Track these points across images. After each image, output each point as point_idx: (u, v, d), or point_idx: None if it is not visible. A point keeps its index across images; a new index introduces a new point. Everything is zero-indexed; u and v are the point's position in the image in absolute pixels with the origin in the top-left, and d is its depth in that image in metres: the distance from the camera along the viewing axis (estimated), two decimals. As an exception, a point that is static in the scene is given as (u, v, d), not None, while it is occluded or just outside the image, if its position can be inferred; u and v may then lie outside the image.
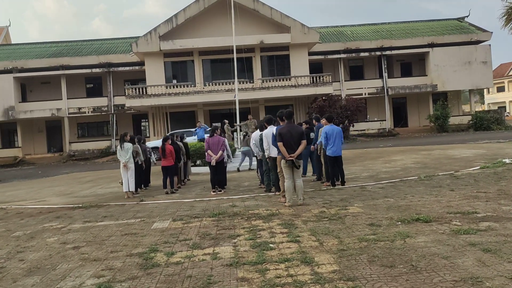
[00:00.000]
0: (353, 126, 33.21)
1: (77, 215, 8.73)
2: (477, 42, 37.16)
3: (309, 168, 13.47)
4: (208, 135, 11.75)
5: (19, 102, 35.14)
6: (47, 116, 34.71)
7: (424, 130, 36.30)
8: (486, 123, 34.64)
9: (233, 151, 18.55)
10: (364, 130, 36.12)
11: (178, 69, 34.05)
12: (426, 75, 36.97)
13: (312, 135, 12.34)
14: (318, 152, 11.47)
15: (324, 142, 10.43)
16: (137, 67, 35.01)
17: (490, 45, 36.90)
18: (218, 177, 10.97)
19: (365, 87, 36.70)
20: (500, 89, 69.01)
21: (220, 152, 10.78)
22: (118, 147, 11.54)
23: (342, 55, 36.22)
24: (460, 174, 10.65)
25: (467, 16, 41.77)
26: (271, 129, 10.81)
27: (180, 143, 13.44)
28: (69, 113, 35.18)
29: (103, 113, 35.61)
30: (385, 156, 18.28)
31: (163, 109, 33.16)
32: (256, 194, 10.02)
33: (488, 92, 69.80)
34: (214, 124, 14.21)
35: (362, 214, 6.73)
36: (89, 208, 9.50)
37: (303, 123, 14.47)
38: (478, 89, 43.08)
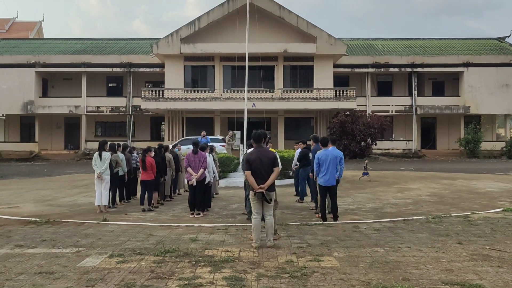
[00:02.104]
0: (375, 144, 31.50)
1: (19, 234, 7.66)
2: (517, 64, 34.77)
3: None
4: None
5: (39, 97, 35.00)
6: (65, 113, 34.49)
7: (453, 154, 34.09)
8: (521, 151, 32.21)
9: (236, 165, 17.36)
10: (388, 149, 34.26)
11: (198, 73, 33.21)
12: (459, 96, 34.82)
13: (311, 155, 11.01)
14: (314, 178, 10.12)
15: (316, 169, 9.08)
16: (158, 69, 34.33)
17: (531, 68, 34.43)
18: (199, 199, 9.75)
19: (393, 104, 34.86)
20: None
21: (201, 170, 9.54)
22: (96, 155, 10.49)
23: (370, 69, 34.55)
24: (477, 218, 9.05)
25: (508, 36, 39.38)
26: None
27: (169, 155, 12.30)
28: (87, 111, 34.79)
29: (121, 114, 35.06)
30: (401, 183, 16.66)
31: (179, 113, 32.33)
32: (233, 224, 8.74)
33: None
34: (199, 138, 12.99)
35: (335, 271, 5.35)
36: (41, 225, 8.45)
37: (299, 143, 13.15)
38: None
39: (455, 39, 40.18)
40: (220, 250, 6.39)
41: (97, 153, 10.45)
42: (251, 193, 6.79)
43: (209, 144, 20.48)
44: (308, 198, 12.02)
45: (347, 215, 9.88)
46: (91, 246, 6.70)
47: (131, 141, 34.67)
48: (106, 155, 10.42)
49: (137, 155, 12.72)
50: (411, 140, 34.64)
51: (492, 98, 33.77)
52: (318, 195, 9.52)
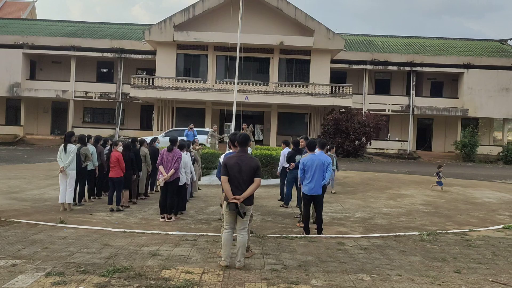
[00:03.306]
0: (370, 144, 30.66)
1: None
2: (518, 67, 33.94)
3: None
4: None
5: (26, 80, 33.79)
6: (52, 97, 33.37)
7: (449, 157, 33.32)
8: (518, 156, 31.47)
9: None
10: (383, 149, 33.44)
11: (191, 62, 32.12)
12: (458, 98, 33.99)
13: (298, 158, 10.10)
14: (298, 185, 9.23)
15: (301, 175, 8.17)
16: (150, 56, 33.16)
17: (533, 72, 33.59)
18: (170, 202, 8.84)
19: (390, 103, 33.96)
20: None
21: (172, 171, 8.61)
22: (60, 147, 9.53)
23: (368, 66, 33.58)
24: (476, 236, 8.19)
25: (510, 39, 38.47)
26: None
27: (145, 149, 11.34)
28: (75, 96, 33.64)
29: (110, 100, 33.95)
30: (394, 188, 15.83)
31: (170, 103, 31.29)
32: (205, 233, 7.84)
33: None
34: (181, 137, 12.06)
35: (309, 308, 4.46)
36: (-11, 226, 7.50)
37: (282, 144, 12.25)
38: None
39: (456, 39, 39.24)
40: (180, 270, 5.48)
41: (62, 145, 9.49)
42: (224, 203, 5.88)
43: (195, 137, 19.69)
44: (293, 203, 11.13)
45: (333, 225, 9.01)
46: (32, 258, 5.77)
47: (120, 129, 33.75)
48: (72, 148, 9.46)
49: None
50: (407, 141, 33.85)
51: (491, 101, 32.96)
52: (302, 203, 8.64)
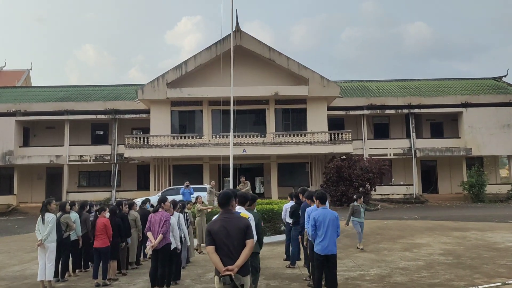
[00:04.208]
0: (375, 190, 29.61)
1: None
2: (517, 103, 33.56)
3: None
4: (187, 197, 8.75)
5: (19, 147, 33.23)
6: (46, 163, 32.62)
7: (457, 199, 32.17)
8: (529, 194, 30.38)
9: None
10: (388, 194, 32.37)
11: (186, 118, 31.70)
12: (459, 137, 33.34)
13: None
14: (305, 243, 8.24)
15: (312, 233, 7.21)
16: (144, 115, 32.82)
17: (531, 107, 33.18)
18: (161, 271, 7.80)
19: (391, 147, 33.27)
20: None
21: (160, 236, 7.64)
22: (39, 218, 8.60)
23: (366, 111, 33.18)
24: (513, 292, 7.12)
25: (505, 76, 38.46)
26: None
27: (134, 213, 10.38)
28: (69, 160, 32.96)
29: (105, 162, 33.22)
30: (407, 236, 14.71)
31: (166, 161, 30.57)
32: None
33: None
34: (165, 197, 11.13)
35: None
36: None
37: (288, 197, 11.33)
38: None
39: (451, 80, 39.23)
40: None
41: (40, 217, 8.56)
42: (216, 278, 4.89)
43: (192, 195, 18.76)
44: (300, 263, 10.05)
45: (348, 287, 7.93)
46: None
47: (116, 191, 32.77)
48: (50, 217, 8.52)
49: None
50: (412, 185, 32.83)
51: (494, 138, 32.29)
52: (311, 264, 7.62)
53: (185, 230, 9.11)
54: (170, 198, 14.78)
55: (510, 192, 31.28)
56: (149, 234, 7.80)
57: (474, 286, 7.61)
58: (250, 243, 4.81)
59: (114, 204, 9.99)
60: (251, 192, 19.06)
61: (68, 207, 9.51)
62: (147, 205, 11.82)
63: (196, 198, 12.60)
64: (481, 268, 9.38)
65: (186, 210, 10.40)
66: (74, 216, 9.60)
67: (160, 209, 7.90)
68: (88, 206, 10.68)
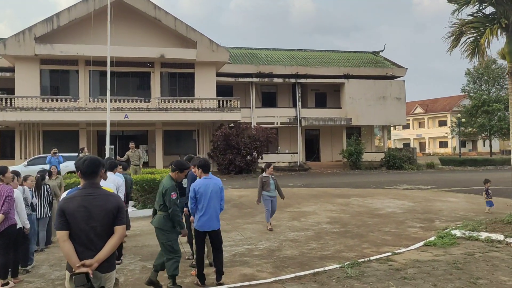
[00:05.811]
0: (262, 158, 29.65)
1: None
2: (392, 77, 35.89)
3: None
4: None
5: None
6: None
7: (337, 166, 33.81)
8: (399, 161, 32.93)
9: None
10: (274, 162, 32.65)
11: (59, 79, 28.37)
12: (341, 108, 34.77)
13: (185, 183, 8.06)
14: (190, 219, 7.24)
15: (192, 206, 6.24)
16: (8, 74, 28.60)
17: (404, 81, 35.76)
18: (3, 259, 6.21)
19: (278, 115, 33.55)
20: (405, 126, 70.53)
21: (1, 216, 6.02)
22: None
23: (254, 79, 32.84)
24: (404, 263, 6.94)
25: (382, 51, 40.83)
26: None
27: (25, 187, 8.17)
28: None
29: (-42, 127, 28.55)
30: (294, 204, 14.55)
31: (35, 126, 27.12)
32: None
33: (395, 128, 70.98)
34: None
35: None
36: None
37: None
38: (390, 126, 41.79)
39: (335, 52, 40.59)
40: None
41: None
42: (67, 275, 3.62)
43: (61, 163, 16.59)
44: (184, 239, 9.04)
45: (235, 265, 7.15)
46: None
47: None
48: None
49: None
50: (296, 153, 33.64)
51: (371, 109, 34.22)
52: (194, 241, 6.64)
53: (23, 209, 7.34)
54: (39, 167, 12.73)
55: (383, 159, 33.62)
56: (-11, 214, 6.12)
57: (365, 257, 7.32)
58: (120, 230, 3.62)
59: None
60: (142, 160, 17.46)
61: None
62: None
63: (50, 167, 10.83)
64: (368, 236, 9.29)
65: (47, 182, 8.71)
66: None
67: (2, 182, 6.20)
68: None
